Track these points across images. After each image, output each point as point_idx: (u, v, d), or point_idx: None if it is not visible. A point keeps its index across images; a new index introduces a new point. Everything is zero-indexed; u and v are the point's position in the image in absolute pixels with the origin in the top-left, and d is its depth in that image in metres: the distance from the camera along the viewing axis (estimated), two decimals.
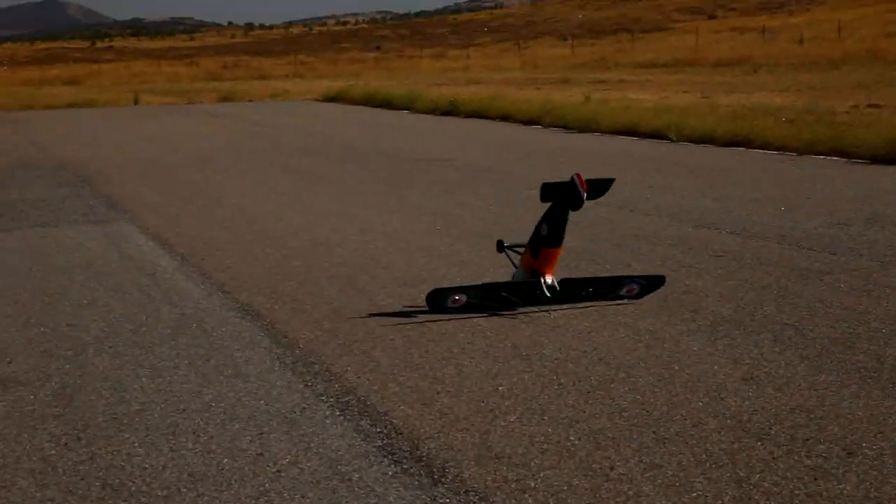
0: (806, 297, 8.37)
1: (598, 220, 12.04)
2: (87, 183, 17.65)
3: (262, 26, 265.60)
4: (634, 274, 8.72)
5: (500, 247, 8.50)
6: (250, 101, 47.36)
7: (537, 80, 54.71)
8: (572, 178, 7.97)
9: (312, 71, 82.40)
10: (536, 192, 8.20)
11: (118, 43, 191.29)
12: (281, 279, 9.77)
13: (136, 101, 45.27)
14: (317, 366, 7.01)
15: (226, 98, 47.99)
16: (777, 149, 19.26)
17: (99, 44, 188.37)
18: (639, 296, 8.38)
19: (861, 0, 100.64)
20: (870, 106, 25.09)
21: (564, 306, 8.23)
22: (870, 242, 10.50)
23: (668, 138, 21.90)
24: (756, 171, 16.71)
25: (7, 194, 16.22)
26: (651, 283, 8.43)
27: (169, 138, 27.38)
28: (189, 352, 7.40)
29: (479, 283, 8.47)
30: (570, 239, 9.67)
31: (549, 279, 8.05)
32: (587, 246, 10.18)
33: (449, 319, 7.96)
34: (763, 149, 19.54)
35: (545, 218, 8.11)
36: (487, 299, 8.09)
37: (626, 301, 8.37)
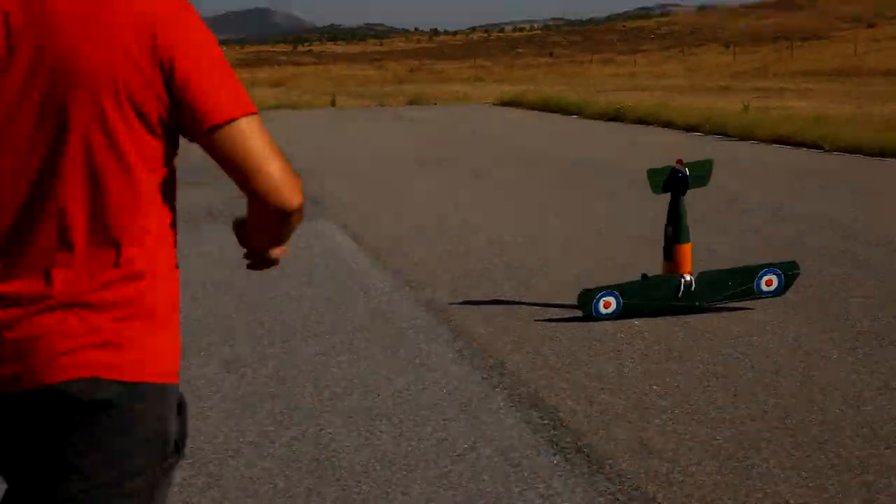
0: None
1: (748, 228, 12.08)
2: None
3: (445, 32, 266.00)
4: (766, 262, 8.68)
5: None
6: (434, 104, 47.52)
7: (700, 87, 53.94)
8: (675, 165, 8.24)
9: (491, 75, 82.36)
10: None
11: (317, 47, 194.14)
12: (461, 276, 9.98)
13: (332, 104, 45.66)
14: (492, 360, 7.16)
15: (412, 101, 48.11)
16: None
17: (300, 48, 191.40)
18: (779, 290, 8.36)
19: None
20: None
21: (717, 310, 8.26)
22: None
23: (822, 148, 21.47)
24: None
25: (229, 192, 16.56)
26: (786, 272, 8.39)
27: (361, 139, 27.61)
28: (381, 342, 7.66)
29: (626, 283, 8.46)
30: (720, 247, 9.74)
31: (688, 277, 8.14)
32: (739, 256, 10.09)
33: (610, 321, 8.09)
34: None
35: (668, 220, 8.23)
36: (636, 298, 8.16)
37: (770, 303, 8.33)
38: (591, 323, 8.03)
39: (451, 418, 5.99)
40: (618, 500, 4.85)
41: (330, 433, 5.79)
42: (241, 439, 5.74)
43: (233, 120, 2.43)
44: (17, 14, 2.34)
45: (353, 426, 5.88)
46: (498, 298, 9.04)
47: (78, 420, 2.41)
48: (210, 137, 2.43)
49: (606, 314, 8.06)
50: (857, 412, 5.96)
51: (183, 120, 2.45)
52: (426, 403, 6.26)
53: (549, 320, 8.23)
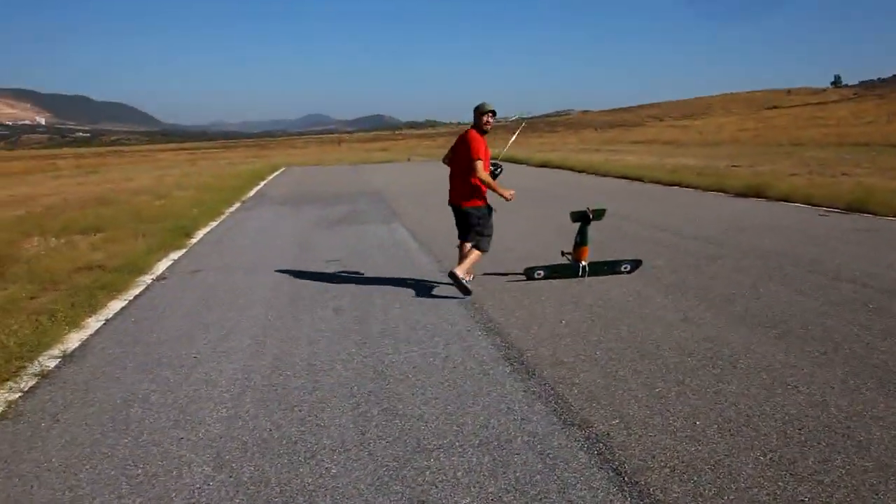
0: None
1: (616, 226, 11.57)
2: (384, 200, 17.31)
3: (459, 123, 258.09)
4: (625, 258, 8.15)
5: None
6: None
7: (585, 149, 52.15)
8: (586, 209, 7.69)
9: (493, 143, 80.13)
10: None
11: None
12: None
13: (408, 159, 44.00)
14: (476, 304, 6.72)
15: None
16: None
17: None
18: (630, 272, 7.87)
19: None
20: None
21: (597, 279, 7.82)
22: None
23: (642, 181, 20.70)
24: None
25: (353, 206, 16.29)
26: (636, 264, 7.95)
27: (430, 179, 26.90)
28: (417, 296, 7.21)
29: (551, 264, 7.99)
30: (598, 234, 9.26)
31: (583, 263, 7.71)
32: (607, 241, 9.69)
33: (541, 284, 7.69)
34: None
35: (578, 232, 7.71)
36: (554, 273, 7.76)
37: (625, 275, 7.82)
38: (530, 282, 7.62)
39: (451, 341, 5.59)
40: (541, 397, 4.45)
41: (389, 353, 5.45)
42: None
43: (475, 160, 6.51)
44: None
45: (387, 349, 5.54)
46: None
47: (465, 213, 6.84)
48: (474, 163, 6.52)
49: (538, 277, 7.74)
50: (670, 334, 5.60)
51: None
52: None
53: (510, 281, 7.72)
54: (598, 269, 7.84)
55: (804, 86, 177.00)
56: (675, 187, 18.49)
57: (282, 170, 35.45)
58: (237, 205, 17.46)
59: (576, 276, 7.75)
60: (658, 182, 19.91)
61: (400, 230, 11.80)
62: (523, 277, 7.76)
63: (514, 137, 9.43)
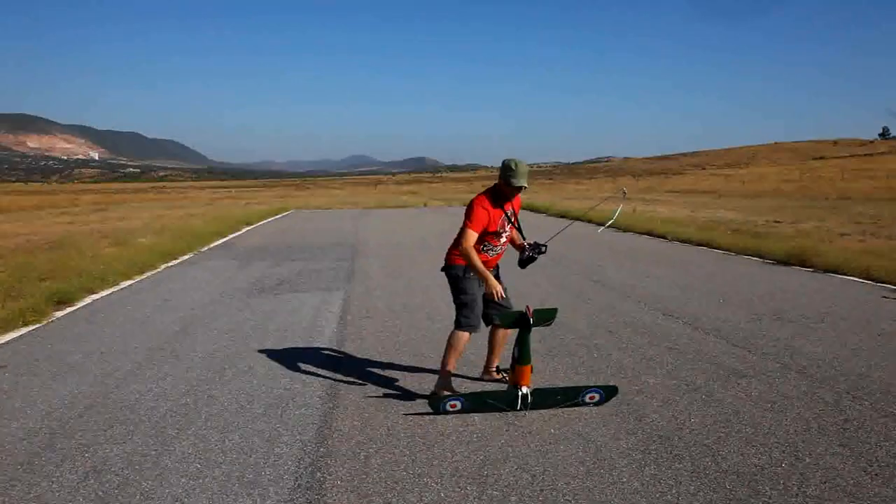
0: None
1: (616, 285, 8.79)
2: (353, 257, 14.92)
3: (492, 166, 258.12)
4: (592, 384, 5.39)
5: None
6: None
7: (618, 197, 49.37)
8: (524, 309, 4.99)
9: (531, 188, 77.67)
10: None
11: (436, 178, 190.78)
12: (401, 343, 6.89)
13: (424, 204, 41.31)
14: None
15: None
16: None
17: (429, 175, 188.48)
18: (598, 403, 5.11)
19: None
20: None
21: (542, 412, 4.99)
22: None
23: (666, 238, 17.86)
24: None
25: (310, 264, 13.78)
26: (608, 393, 5.18)
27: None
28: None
29: (471, 392, 5.23)
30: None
31: (524, 389, 4.95)
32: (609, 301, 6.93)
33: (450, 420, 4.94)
34: None
35: (516, 343, 5.02)
36: (477, 405, 5.02)
37: (591, 407, 5.06)
38: (436, 417, 4.89)
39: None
40: None
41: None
42: None
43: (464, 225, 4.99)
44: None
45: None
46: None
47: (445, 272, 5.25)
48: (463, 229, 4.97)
49: (452, 411, 4.97)
50: None
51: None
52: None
53: (409, 414, 5.02)
54: (548, 398, 5.04)
55: (851, 137, 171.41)
56: (704, 248, 15.61)
57: (286, 213, 33.27)
58: (188, 256, 15.05)
59: (511, 408, 4.99)
60: (685, 241, 17.03)
61: (336, 303, 9.15)
62: (430, 410, 5.02)
63: (618, 210, 6.20)
